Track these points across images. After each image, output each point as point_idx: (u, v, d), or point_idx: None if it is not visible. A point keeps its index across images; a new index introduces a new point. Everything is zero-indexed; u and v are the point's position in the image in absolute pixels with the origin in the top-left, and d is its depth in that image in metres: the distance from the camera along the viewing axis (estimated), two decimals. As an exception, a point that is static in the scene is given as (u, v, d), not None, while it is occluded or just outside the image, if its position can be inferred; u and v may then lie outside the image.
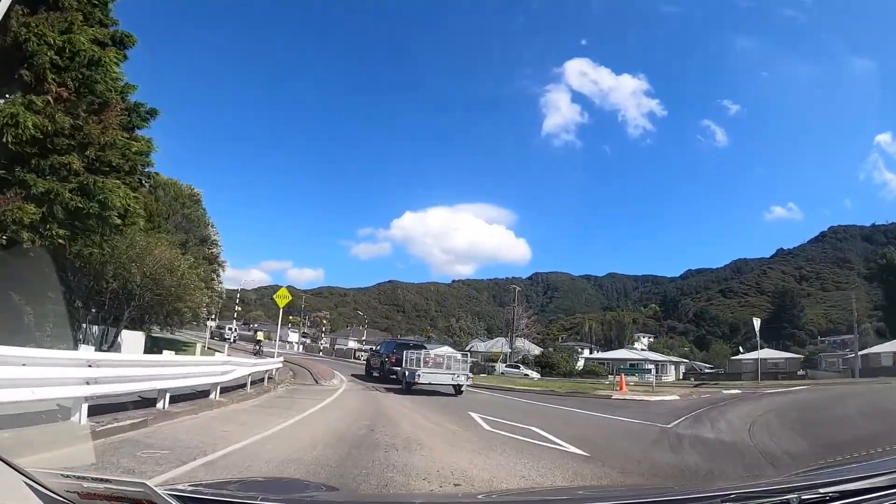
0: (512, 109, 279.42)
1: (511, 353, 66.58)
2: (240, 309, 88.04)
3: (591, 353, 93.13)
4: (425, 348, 27.56)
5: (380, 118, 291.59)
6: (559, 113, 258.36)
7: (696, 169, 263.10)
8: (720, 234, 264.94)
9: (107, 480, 1.99)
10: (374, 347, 42.09)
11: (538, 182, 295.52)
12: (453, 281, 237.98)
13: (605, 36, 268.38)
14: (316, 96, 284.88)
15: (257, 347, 42.13)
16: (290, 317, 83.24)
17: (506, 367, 60.36)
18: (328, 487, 3.78)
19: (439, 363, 23.41)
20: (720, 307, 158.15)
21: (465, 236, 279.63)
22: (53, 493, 1.82)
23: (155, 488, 1.76)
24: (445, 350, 27.85)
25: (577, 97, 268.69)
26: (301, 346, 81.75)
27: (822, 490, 2.10)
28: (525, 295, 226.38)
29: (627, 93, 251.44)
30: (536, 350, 79.58)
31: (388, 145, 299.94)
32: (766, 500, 2.11)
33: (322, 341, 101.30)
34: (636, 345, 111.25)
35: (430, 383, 21.98)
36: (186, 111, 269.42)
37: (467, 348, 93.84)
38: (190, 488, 2.10)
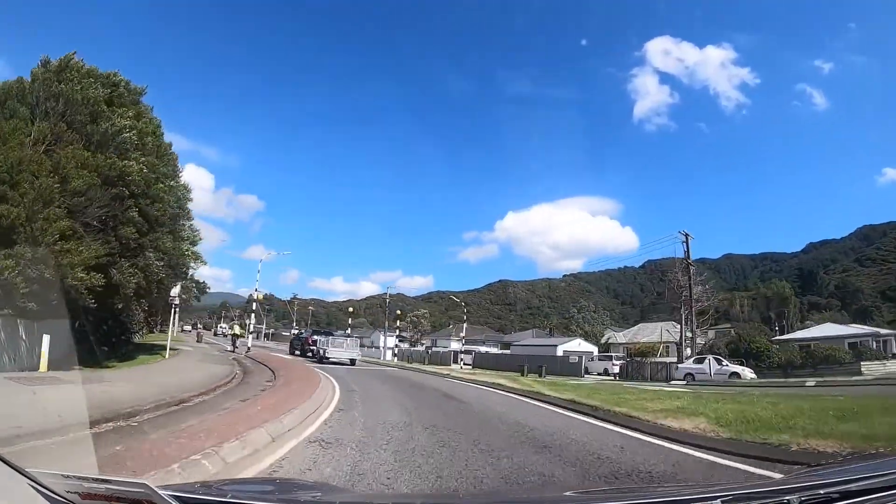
0: (601, 99, 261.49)
1: (691, 340, 39.80)
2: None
3: (780, 334, 63.77)
4: (332, 335, 34.76)
5: (474, 122, 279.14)
6: (648, 97, 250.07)
7: (797, 136, 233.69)
8: (835, 202, 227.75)
9: (107, 481, 1.84)
10: (298, 334, 46.97)
11: (637, 169, 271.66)
12: (564, 276, 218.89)
13: (683, 7, 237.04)
14: (408, 108, 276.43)
15: (234, 342, 36.79)
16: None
17: (693, 363, 34.42)
18: (329, 487, 3.79)
19: (340, 344, 32.24)
20: (860, 277, 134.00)
21: (570, 231, 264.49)
22: (54, 493, 1.72)
23: (155, 489, 1.67)
24: (345, 337, 34.27)
25: (665, 78, 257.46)
26: (393, 353, 60.12)
27: (822, 490, 1.95)
28: (639, 284, 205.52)
29: (715, 65, 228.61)
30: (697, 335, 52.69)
31: (486, 149, 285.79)
32: (766, 500, 1.94)
33: (422, 344, 79.34)
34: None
35: (335, 357, 30.35)
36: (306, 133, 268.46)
37: (602, 341, 69.27)
38: (191, 489, 2.07)
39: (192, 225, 24.35)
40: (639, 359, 46.74)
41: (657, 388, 21.73)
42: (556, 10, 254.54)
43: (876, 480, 1.98)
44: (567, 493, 3.48)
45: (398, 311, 63.59)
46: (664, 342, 53.64)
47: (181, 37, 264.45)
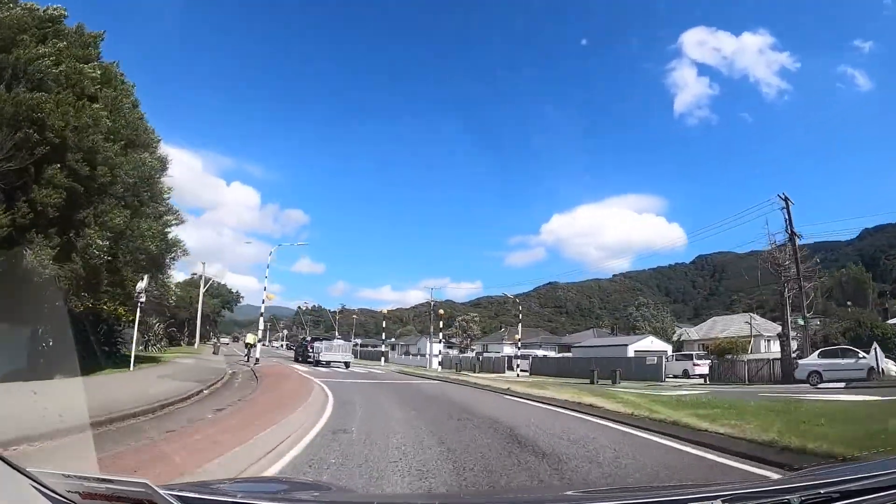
0: (640, 96, 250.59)
1: (802, 329, 31.28)
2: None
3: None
4: (329, 340, 37.41)
5: (515, 124, 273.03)
6: (687, 90, 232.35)
7: (842, 120, 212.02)
8: (886, 185, 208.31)
9: (108, 481, 1.74)
10: (301, 340, 46.24)
11: (681, 163, 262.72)
12: (614, 276, 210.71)
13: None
14: (446, 111, 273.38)
15: (248, 352, 31.93)
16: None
17: (819, 358, 26.25)
18: (329, 487, 3.58)
19: (335, 349, 33.98)
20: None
21: (616, 230, 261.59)
22: (55, 493, 1.63)
23: (156, 488, 1.58)
24: (339, 341, 37.15)
25: (703, 69, 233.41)
26: (439, 360, 53.58)
27: (822, 490, 1.87)
28: (691, 280, 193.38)
29: (753, 52, 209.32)
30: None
31: (527, 151, 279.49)
32: (766, 500, 1.88)
33: (472, 350, 72.31)
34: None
35: (329, 360, 32.06)
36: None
37: (674, 338, 60.53)
38: (191, 488, 2.01)
39: (169, 204, 18.45)
40: (729, 357, 38.48)
41: (817, 396, 14.24)
42: (576, 5, 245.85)
43: (876, 480, 1.92)
44: (567, 493, 3.39)
45: (441, 311, 55.86)
46: (752, 336, 45.11)
47: (221, 53, 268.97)
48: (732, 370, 34.36)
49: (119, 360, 19.55)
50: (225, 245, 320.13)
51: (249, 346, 31.83)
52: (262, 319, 30.94)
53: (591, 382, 30.46)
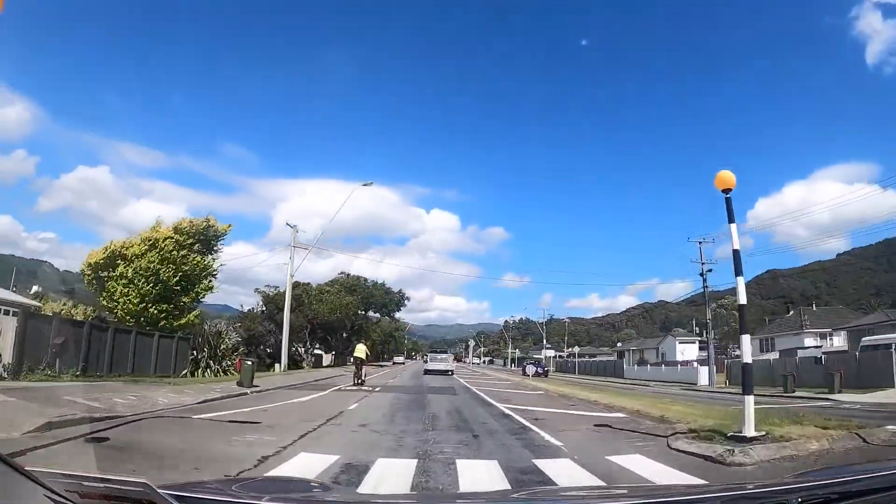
0: (828, 56, 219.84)
1: None
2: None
3: None
4: (435, 353, 40.47)
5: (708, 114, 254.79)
6: (877, 37, 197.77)
7: None
8: None
9: (107, 480, 1.71)
10: (425, 356, 52.66)
11: (888, 120, 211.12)
12: (838, 255, 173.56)
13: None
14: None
15: (358, 370, 22.64)
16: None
17: None
18: (330, 487, 3.45)
19: (439, 360, 36.53)
20: None
21: (829, 206, 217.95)
22: (53, 492, 1.56)
23: (155, 488, 1.55)
24: (442, 354, 38.90)
25: (887, 10, 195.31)
26: (708, 368, 34.15)
27: (822, 490, 1.81)
28: None
29: None
30: None
31: (720, 138, 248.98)
32: (766, 500, 1.86)
33: (730, 350, 50.07)
34: None
35: (433, 369, 34.49)
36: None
37: None
38: (190, 488, 1.94)
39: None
40: None
41: None
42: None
43: (876, 480, 1.87)
44: (566, 493, 3.29)
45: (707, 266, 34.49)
46: None
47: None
48: None
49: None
50: (431, 267, 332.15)
51: (359, 362, 23.06)
52: (289, 282, 11.91)
53: None
